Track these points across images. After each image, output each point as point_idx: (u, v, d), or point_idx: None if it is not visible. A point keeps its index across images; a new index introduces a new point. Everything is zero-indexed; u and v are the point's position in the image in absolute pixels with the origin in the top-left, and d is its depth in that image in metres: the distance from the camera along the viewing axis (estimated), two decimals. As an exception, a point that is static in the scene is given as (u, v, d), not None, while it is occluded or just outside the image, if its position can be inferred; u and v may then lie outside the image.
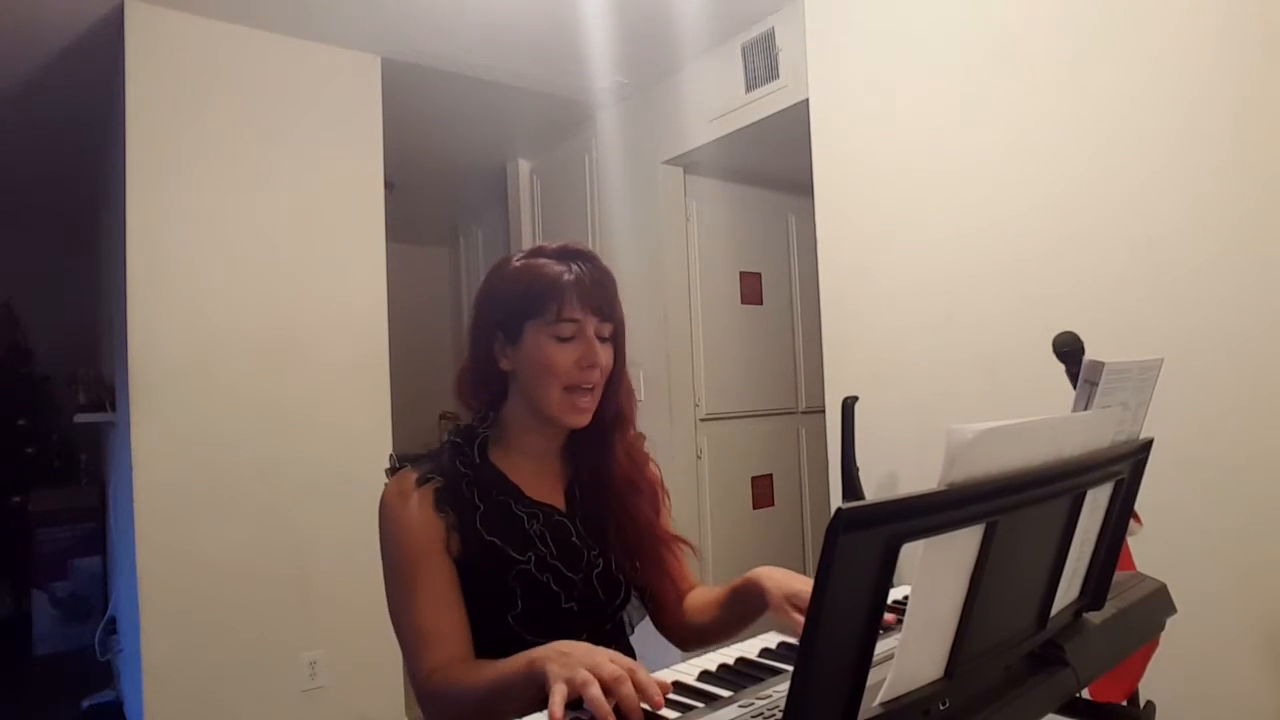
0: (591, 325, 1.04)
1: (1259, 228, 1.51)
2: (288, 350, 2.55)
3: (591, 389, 1.05)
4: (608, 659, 0.78)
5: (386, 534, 1.02)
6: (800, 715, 0.45)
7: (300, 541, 2.53)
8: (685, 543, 1.17)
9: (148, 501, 2.29)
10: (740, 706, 0.71)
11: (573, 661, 0.77)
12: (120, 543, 3.00)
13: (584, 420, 1.06)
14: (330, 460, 2.60)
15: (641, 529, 1.11)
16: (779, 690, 0.74)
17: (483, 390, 1.10)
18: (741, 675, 0.82)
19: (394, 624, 1.01)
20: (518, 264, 1.07)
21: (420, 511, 1.00)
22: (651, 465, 1.19)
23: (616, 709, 0.73)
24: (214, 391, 2.41)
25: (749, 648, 0.91)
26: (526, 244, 3.94)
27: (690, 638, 1.15)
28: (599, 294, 1.04)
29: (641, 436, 1.18)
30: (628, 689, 0.74)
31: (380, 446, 2.72)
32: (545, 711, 0.73)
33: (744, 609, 1.06)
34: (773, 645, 0.92)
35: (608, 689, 0.74)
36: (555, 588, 1.02)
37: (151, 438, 2.31)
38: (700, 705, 0.74)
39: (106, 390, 3.27)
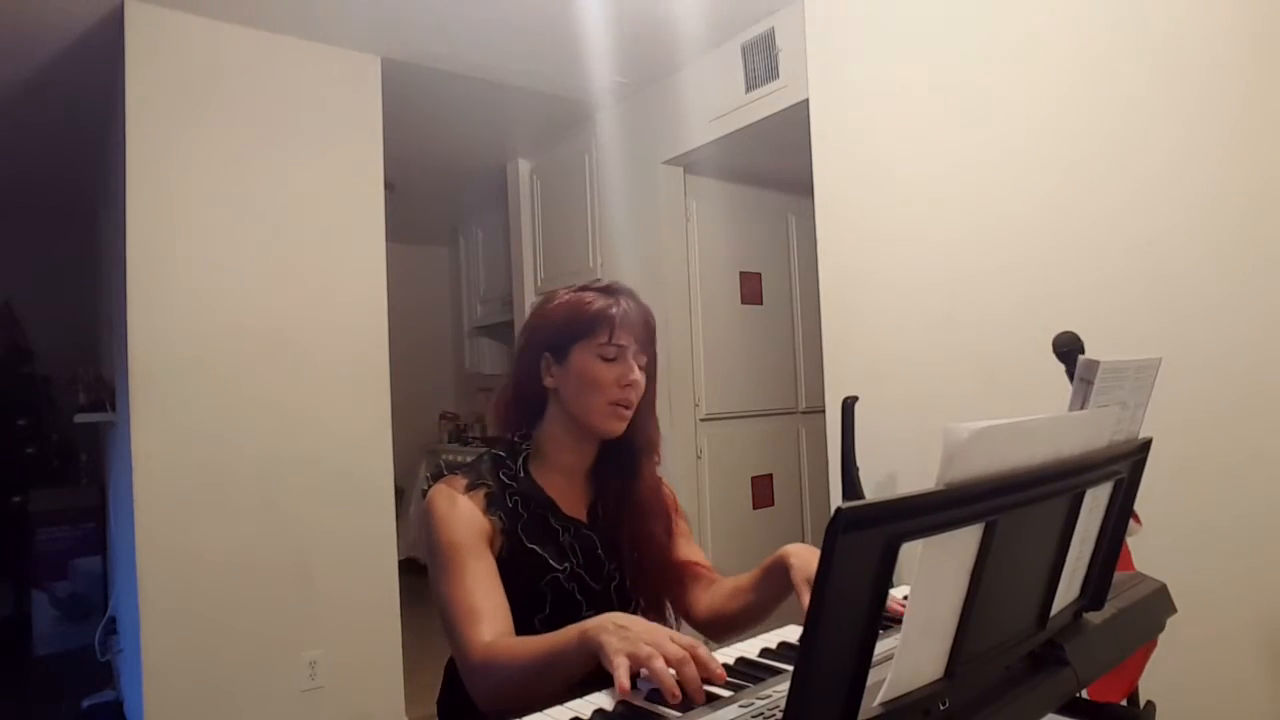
0: (631, 351, 1.15)
1: (1258, 228, 1.51)
2: (288, 350, 2.55)
3: (628, 407, 1.15)
4: (668, 636, 0.79)
5: (436, 524, 1.07)
6: (800, 715, 0.45)
7: (301, 541, 2.53)
8: (700, 565, 1.23)
9: (148, 501, 2.29)
10: (740, 706, 0.71)
11: (632, 635, 0.79)
12: (120, 543, 3.00)
13: (621, 428, 1.15)
14: (330, 460, 2.60)
15: (654, 550, 1.19)
16: (779, 690, 0.74)
17: (522, 413, 1.20)
18: (741, 675, 0.82)
19: (441, 607, 1.03)
20: (567, 297, 1.18)
21: (470, 510, 1.09)
22: (666, 490, 1.28)
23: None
24: (214, 391, 2.41)
25: (749, 648, 0.92)
26: (527, 244, 3.95)
27: (720, 627, 1.19)
28: (641, 328, 1.17)
29: (658, 461, 1.26)
30: (691, 669, 0.76)
31: (380, 446, 2.73)
32: (608, 690, 0.74)
33: (774, 588, 1.09)
34: (773, 645, 0.92)
35: (671, 665, 0.75)
36: (579, 596, 1.12)
37: (151, 437, 2.31)
38: (700, 705, 0.74)
39: (106, 390, 3.27)
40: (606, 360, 1.13)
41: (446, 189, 4.42)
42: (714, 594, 1.19)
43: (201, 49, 2.45)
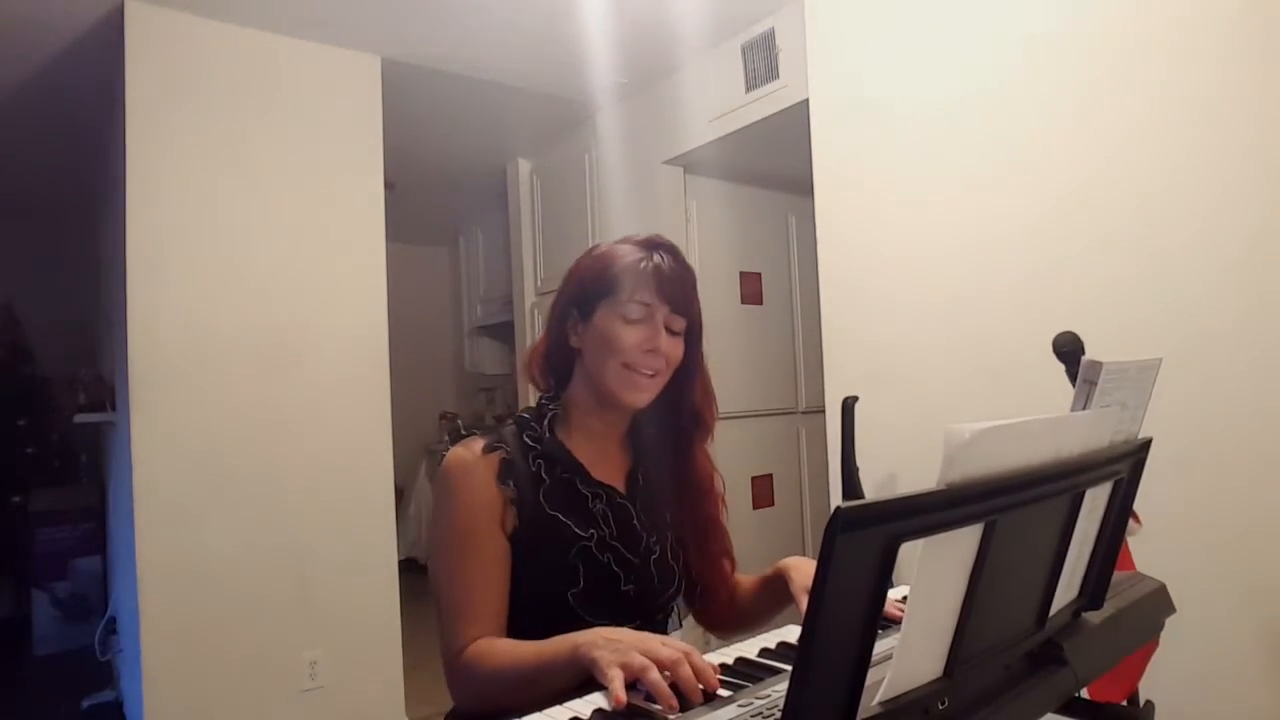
0: (662, 314, 1.04)
1: (1258, 228, 1.51)
2: (287, 349, 2.55)
3: (653, 375, 1.05)
4: (660, 643, 0.79)
5: (445, 500, 1.01)
6: (799, 715, 0.45)
7: (300, 541, 2.52)
8: (726, 572, 1.22)
9: (148, 501, 2.29)
10: (740, 706, 0.71)
11: (624, 646, 0.78)
12: (120, 543, 3.00)
13: (641, 400, 1.06)
14: (330, 459, 2.60)
15: (712, 531, 1.16)
16: (778, 690, 0.74)
17: (551, 370, 1.13)
18: (741, 675, 0.82)
19: (435, 591, 1.00)
20: (603, 249, 1.10)
21: (483, 481, 1.00)
22: (717, 473, 1.22)
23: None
24: (214, 391, 2.41)
25: (748, 648, 0.91)
26: (527, 244, 3.95)
27: (731, 625, 1.20)
28: (675, 286, 1.05)
29: (711, 439, 1.20)
30: (686, 671, 0.75)
31: (380, 446, 2.73)
32: (597, 693, 0.74)
33: (774, 597, 1.11)
34: (772, 645, 0.92)
35: (666, 668, 0.75)
36: (616, 568, 1.03)
37: (151, 438, 2.31)
38: (700, 704, 0.74)
39: (106, 390, 3.27)
40: (629, 321, 1.03)
41: (446, 189, 4.42)
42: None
43: (202, 49, 2.45)
